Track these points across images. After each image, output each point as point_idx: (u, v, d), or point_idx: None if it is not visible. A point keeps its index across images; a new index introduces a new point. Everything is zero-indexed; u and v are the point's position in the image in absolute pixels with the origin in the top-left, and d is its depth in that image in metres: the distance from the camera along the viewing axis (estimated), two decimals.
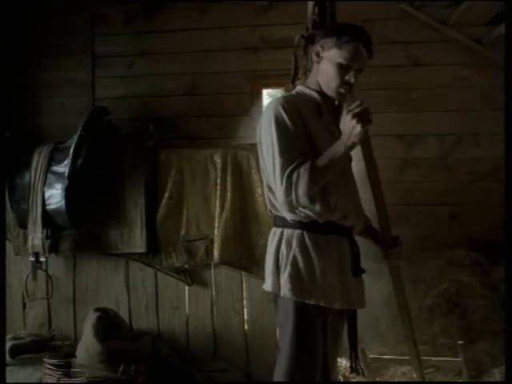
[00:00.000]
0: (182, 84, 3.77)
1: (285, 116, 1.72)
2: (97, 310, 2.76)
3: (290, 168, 1.67)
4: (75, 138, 2.85)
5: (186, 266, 2.88)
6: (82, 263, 3.04)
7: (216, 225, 2.85)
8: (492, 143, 3.96)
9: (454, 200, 4.36)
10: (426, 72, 3.88)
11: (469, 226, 4.26)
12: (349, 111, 1.65)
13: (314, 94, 1.85)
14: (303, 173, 1.66)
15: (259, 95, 3.99)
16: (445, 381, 2.65)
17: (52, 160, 2.91)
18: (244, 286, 2.88)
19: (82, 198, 2.85)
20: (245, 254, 2.86)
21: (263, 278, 1.85)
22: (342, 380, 2.82)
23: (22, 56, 3.84)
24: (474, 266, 4.03)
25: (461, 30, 3.75)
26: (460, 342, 2.57)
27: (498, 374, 2.99)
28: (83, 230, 2.93)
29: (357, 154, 1.88)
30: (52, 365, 2.63)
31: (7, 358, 2.80)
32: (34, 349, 2.89)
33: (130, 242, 2.91)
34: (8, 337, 2.91)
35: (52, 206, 2.88)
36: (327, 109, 1.85)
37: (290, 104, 1.75)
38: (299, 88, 1.90)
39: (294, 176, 1.67)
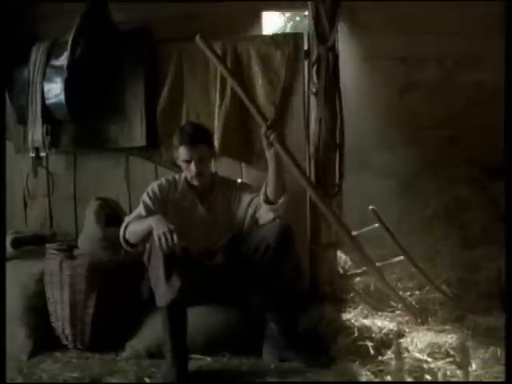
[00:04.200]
0: None
1: (151, 195, 2.51)
2: (98, 198, 2.77)
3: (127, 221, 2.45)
4: (74, 29, 2.83)
5: None
6: (82, 160, 3.04)
7: (216, 116, 2.84)
8: (492, 67, 3.93)
9: (454, 124, 4.36)
10: None
11: (468, 149, 4.27)
12: None
13: (184, 182, 2.55)
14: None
15: None
16: None
17: (50, 55, 2.89)
18: (244, 177, 2.88)
19: (81, 90, 2.84)
20: (244, 146, 2.87)
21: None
22: None
23: None
24: (474, 182, 4.06)
25: None
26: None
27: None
28: (83, 124, 2.92)
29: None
30: (55, 249, 2.65)
31: (9, 249, 2.82)
32: (36, 243, 2.90)
33: (130, 136, 2.92)
34: (9, 232, 2.91)
35: (51, 100, 2.87)
36: (194, 193, 2.54)
37: (160, 188, 2.53)
38: (178, 175, 2.59)
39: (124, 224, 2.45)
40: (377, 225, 2.62)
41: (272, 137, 2.34)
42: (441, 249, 3.42)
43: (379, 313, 2.66)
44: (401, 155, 4.02)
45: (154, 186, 2.55)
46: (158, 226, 2.20)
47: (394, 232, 3.33)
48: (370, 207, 2.61)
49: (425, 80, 4.37)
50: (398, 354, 2.22)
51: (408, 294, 2.79)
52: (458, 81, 4.32)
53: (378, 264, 2.65)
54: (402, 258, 2.64)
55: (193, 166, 2.42)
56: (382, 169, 4.03)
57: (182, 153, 2.43)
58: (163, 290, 2.23)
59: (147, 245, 2.34)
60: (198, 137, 2.44)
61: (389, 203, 3.71)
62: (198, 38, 2.45)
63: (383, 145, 4.14)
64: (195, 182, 2.50)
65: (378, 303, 2.73)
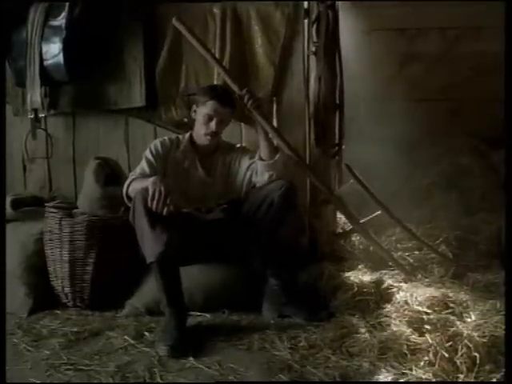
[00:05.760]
0: None
1: (153, 152, 2.52)
2: (97, 158, 2.76)
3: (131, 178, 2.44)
4: None
5: (186, 119, 2.86)
6: (81, 122, 3.02)
7: (215, 77, 2.83)
8: (494, 38, 3.89)
9: (454, 95, 4.34)
10: None
11: (469, 120, 4.25)
12: None
13: (187, 142, 2.57)
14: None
15: None
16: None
17: (48, 15, 2.86)
18: (243, 138, 2.87)
19: (79, 50, 2.80)
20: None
21: None
22: None
23: None
24: (474, 151, 4.05)
25: None
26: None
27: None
28: (81, 85, 2.90)
29: None
30: (54, 207, 2.64)
31: (8, 210, 2.80)
32: (35, 204, 2.89)
33: (129, 97, 2.90)
34: (8, 195, 2.90)
35: (49, 61, 2.82)
36: (196, 154, 2.56)
37: (162, 145, 2.55)
38: (182, 136, 2.62)
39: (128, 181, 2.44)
40: (352, 181, 2.66)
41: (249, 104, 2.43)
42: (441, 213, 3.42)
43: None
44: (401, 126, 4.00)
45: (156, 142, 2.57)
46: (153, 185, 2.19)
47: (393, 200, 3.34)
48: (344, 163, 2.65)
49: (425, 51, 4.35)
50: None
51: (407, 254, 2.79)
52: (459, 52, 4.30)
53: (361, 221, 2.70)
54: (379, 212, 2.68)
55: (214, 123, 2.45)
56: (383, 139, 4.02)
57: (209, 107, 2.44)
58: (150, 245, 2.21)
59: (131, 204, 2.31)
60: (229, 98, 2.50)
61: (389, 172, 3.71)
62: (174, 20, 2.54)
63: (384, 115, 4.12)
64: (205, 142, 2.51)
65: (376, 264, 2.73)
